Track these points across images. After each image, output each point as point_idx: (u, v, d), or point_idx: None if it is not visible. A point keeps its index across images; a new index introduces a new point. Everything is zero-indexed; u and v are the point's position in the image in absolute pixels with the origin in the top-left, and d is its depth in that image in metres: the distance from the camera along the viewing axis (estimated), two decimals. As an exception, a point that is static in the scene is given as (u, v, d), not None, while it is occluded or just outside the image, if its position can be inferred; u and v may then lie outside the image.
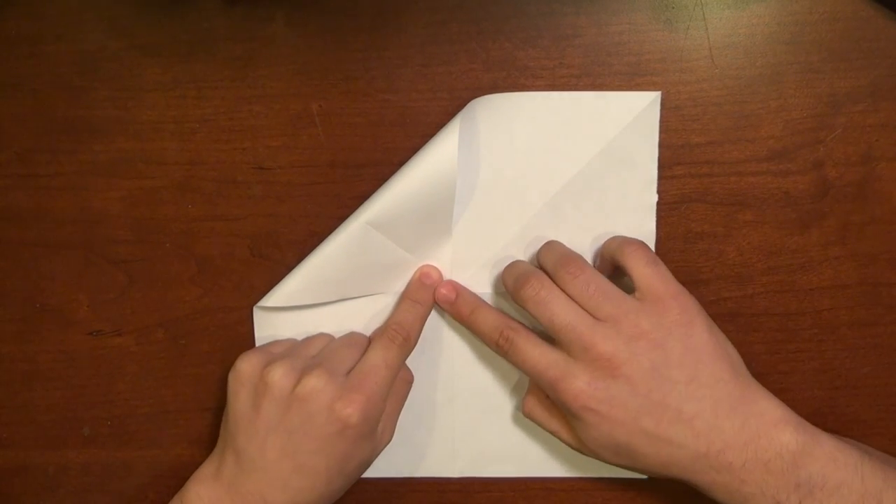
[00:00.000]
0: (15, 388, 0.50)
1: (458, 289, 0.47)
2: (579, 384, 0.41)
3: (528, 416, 0.47)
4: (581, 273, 0.43)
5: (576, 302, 0.42)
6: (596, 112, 0.45)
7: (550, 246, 0.45)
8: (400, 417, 0.48)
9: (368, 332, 0.48)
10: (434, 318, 0.48)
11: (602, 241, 0.46)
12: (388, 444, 0.46)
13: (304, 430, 0.42)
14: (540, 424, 0.46)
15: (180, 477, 0.50)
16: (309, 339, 0.47)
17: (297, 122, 0.47)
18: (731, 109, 0.45)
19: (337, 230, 0.46)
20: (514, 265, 0.46)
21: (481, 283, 0.47)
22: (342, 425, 0.42)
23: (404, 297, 0.47)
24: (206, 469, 0.45)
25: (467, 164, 0.46)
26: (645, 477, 0.49)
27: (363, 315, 0.48)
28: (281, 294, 0.47)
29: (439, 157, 0.44)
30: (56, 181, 0.48)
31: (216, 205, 0.48)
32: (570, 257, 0.44)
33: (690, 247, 0.47)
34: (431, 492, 0.50)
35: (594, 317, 0.42)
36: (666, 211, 0.46)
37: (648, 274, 0.42)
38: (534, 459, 0.49)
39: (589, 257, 0.46)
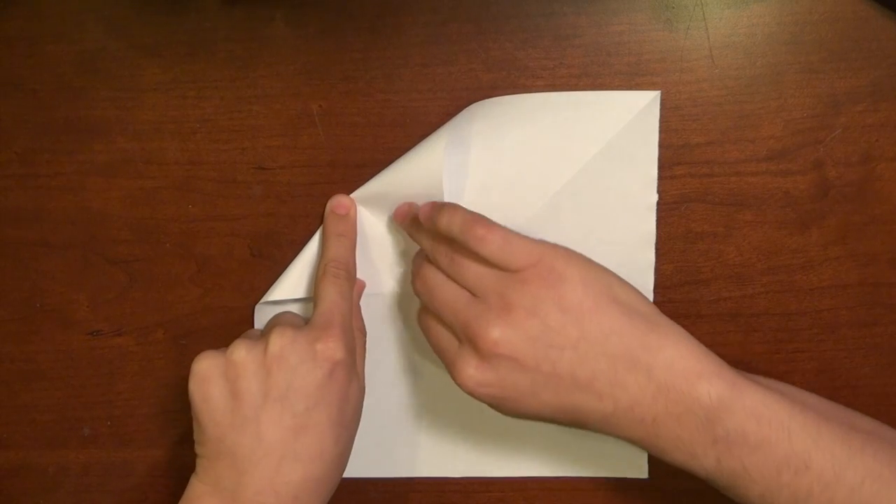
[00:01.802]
0: (15, 388, 0.50)
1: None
2: (469, 370, 0.39)
3: None
4: (448, 248, 0.41)
5: (454, 280, 0.41)
6: (595, 111, 0.45)
7: (420, 227, 0.44)
8: (400, 417, 0.48)
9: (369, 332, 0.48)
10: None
11: (603, 240, 0.46)
12: (363, 395, 0.45)
13: (294, 388, 0.40)
14: None
15: (180, 477, 0.50)
16: (245, 333, 0.45)
17: (297, 122, 0.47)
18: (731, 109, 0.45)
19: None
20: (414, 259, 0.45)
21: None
22: (331, 364, 0.41)
23: (327, 233, 0.46)
24: (199, 488, 0.41)
25: (466, 163, 0.46)
26: (646, 476, 0.49)
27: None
28: (282, 288, 0.47)
29: (428, 150, 0.44)
30: (56, 181, 0.48)
31: (216, 205, 0.48)
32: (439, 236, 0.42)
33: (690, 247, 0.47)
34: (431, 492, 0.50)
35: (471, 292, 0.40)
36: (666, 211, 0.46)
37: (504, 256, 0.39)
38: (534, 459, 0.49)
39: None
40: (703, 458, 0.37)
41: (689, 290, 0.47)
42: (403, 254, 0.47)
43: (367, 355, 0.47)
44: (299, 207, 0.47)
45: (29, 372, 0.50)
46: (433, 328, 0.42)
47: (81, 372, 0.50)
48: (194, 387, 0.41)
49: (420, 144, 0.45)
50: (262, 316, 0.48)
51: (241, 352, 0.41)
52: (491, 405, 0.41)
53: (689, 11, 0.45)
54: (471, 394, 0.40)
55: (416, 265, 0.44)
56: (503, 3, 0.45)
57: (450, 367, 0.41)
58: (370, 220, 0.47)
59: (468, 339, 0.40)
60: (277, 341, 0.41)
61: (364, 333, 0.47)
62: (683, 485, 0.49)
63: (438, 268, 0.42)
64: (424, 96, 0.46)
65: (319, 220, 0.47)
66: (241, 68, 0.46)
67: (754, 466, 0.37)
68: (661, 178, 0.46)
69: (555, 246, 0.40)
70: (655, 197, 0.46)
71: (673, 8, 0.45)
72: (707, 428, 0.37)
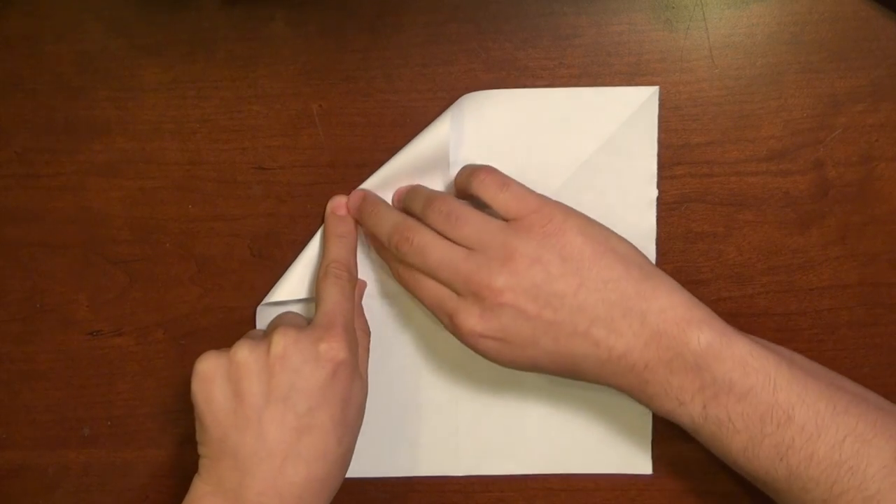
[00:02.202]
0: (15, 388, 0.50)
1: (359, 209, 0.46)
2: (471, 320, 0.40)
3: None
4: (445, 206, 0.42)
5: (447, 238, 0.41)
6: (595, 107, 0.45)
7: (414, 191, 0.45)
8: (400, 417, 0.48)
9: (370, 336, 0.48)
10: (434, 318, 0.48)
11: None
12: (366, 395, 0.45)
13: (297, 388, 0.40)
14: None
15: (180, 477, 0.50)
16: (247, 333, 0.45)
17: (297, 122, 0.47)
18: (731, 109, 0.45)
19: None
20: (382, 220, 0.44)
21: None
22: (334, 365, 0.41)
23: (328, 234, 0.46)
24: (201, 488, 0.41)
25: (461, 159, 0.46)
26: (650, 472, 0.49)
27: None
28: (283, 289, 0.47)
29: (432, 140, 0.44)
30: (56, 181, 0.48)
31: (216, 205, 0.48)
32: (434, 195, 0.43)
33: (690, 247, 0.47)
34: (431, 492, 0.50)
35: (467, 248, 0.41)
36: (666, 211, 0.46)
37: (503, 199, 0.41)
38: (537, 456, 0.49)
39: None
40: (689, 405, 0.38)
41: (689, 290, 0.47)
42: None
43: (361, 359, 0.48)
44: (299, 207, 0.47)
45: (29, 372, 0.50)
46: (425, 284, 0.42)
47: (81, 372, 0.50)
48: (197, 387, 0.41)
49: (418, 137, 0.45)
50: (263, 317, 0.48)
51: (243, 352, 0.41)
52: (489, 356, 0.41)
53: (689, 11, 0.45)
54: (472, 345, 0.41)
55: (392, 224, 0.43)
56: (503, 3, 0.45)
57: (450, 320, 0.41)
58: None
59: (471, 292, 0.40)
60: (280, 341, 0.41)
61: (367, 333, 0.47)
62: (684, 485, 0.49)
63: (431, 227, 0.42)
64: (424, 96, 0.46)
65: (319, 220, 0.47)
66: (241, 68, 0.46)
67: (738, 416, 0.38)
68: (661, 178, 0.46)
69: (554, 200, 0.42)
70: (655, 192, 0.46)
71: (673, 8, 0.45)
72: (695, 374, 0.38)
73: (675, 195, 0.46)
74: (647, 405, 0.40)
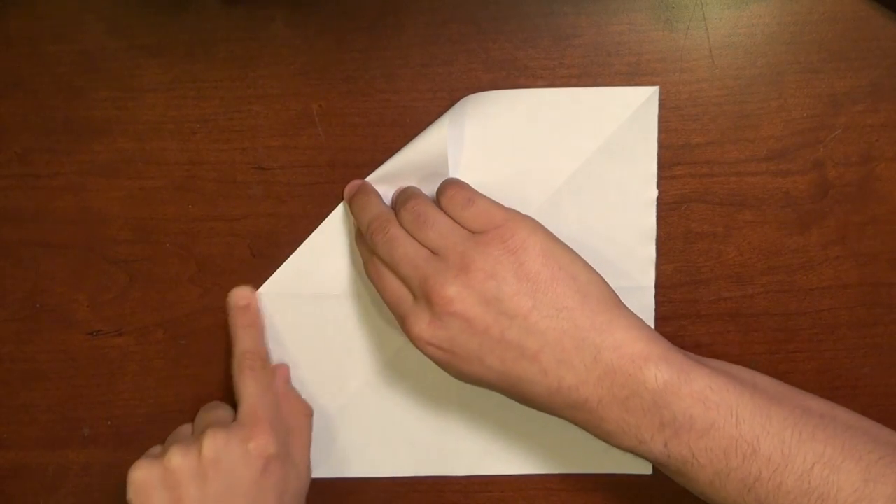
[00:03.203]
0: (15, 388, 0.50)
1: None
2: (420, 325, 0.40)
3: None
4: (417, 207, 0.41)
5: (414, 232, 0.41)
6: (594, 108, 0.45)
7: (403, 189, 0.44)
8: (400, 417, 0.48)
9: (372, 337, 0.48)
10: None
11: (603, 237, 0.46)
12: (309, 478, 0.47)
13: (232, 488, 0.42)
14: None
15: (180, 477, 0.50)
16: (175, 432, 0.47)
17: (297, 122, 0.47)
18: (731, 109, 0.45)
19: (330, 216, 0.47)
20: (366, 209, 0.44)
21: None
22: (264, 461, 0.43)
23: (235, 326, 0.47)
24: None
25: (463, 160, 0.46)
26: (650, 472, 0.49)
27: (362, 321, 0.48)
28: (276, 280, 0.47)
29: (430, 141, 0.44)
30: (56, 181, 0.48)
31: (216, 205, 0.48)
32: (412, 196, 0.43)
33: (690, 247, 0.47)
34: (431, 492, 0.50)
35: (431, 246, 0.41)
36: (666, 211, 0.46)
37: (468, 216, 0.41)
38: (537, 457, 0.49)
39: (589, 255, 0.46)
40: (650, 444, 0.37)
41: (689, 289, 0.47)
42: None
43: (362, 357, 0.48)
44: (299, 207, 0.47)
45: (29, 372, 0.50)
46: (387, 280, 0.42)
47: (81, 372, 0.50)
48: (135, 498, 0.42)
49: (420, 136, 0.45)
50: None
51: (177, 458, 0.42)
52: (439, 364, 0.41)
53: (689, 11, 0.45)
54: (421, 350, 0.41)
55: (376, 220, 0.43)
56: (503, 3, 0.45)
57: (402, 321, 0.41)
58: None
59: (423, 295, 0.40)
60: (211, 445, 0.42)
61: (308, 415, 0.47)
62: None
63: (403, 226, 0.42)
64: (424, 96, 0.46)
65: (319, 220, 0.47)
66: (241, 68, 0.46)
67: (702, 451, 0.37)
68: (661, 178, 0.46)
69: (522, 215, 0.41)
70: (655, 192, 0.46)
71: (673, 8, 0.45)
72: (654, 412, 0.37)
73: (675, 195, 0.46)
74: (604, 441, 0.39)
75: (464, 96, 0.46)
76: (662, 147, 0.46)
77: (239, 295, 0.47)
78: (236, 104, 0.47)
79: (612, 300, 0.39)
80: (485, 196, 0.42)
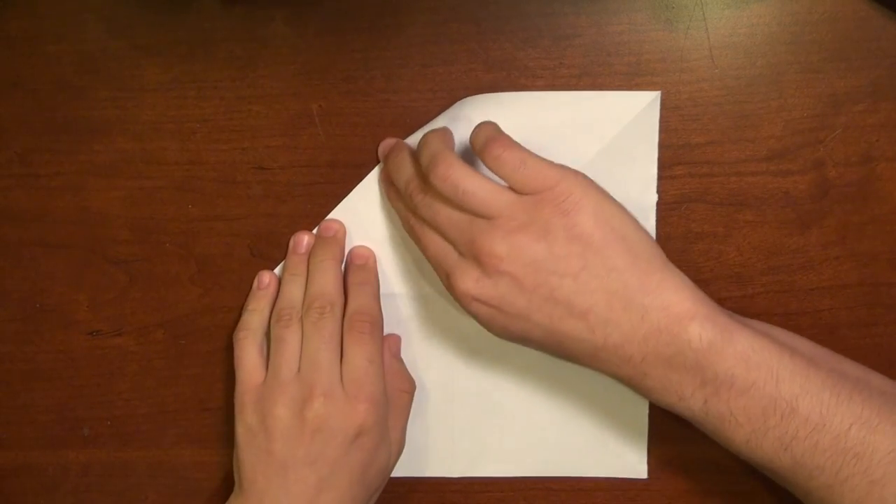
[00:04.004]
0: (15, 388, 0.50)
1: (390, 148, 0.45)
2: (467, 281, 0.40)
3: None
4: (450, 174, 0.40)
5: (454, 202, 0.41)
6: (595, 112, 0.45)
7: (424, 142, 0.42)
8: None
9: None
10: (435, 318, 0.48)
11: None
12: (400, 453, 0.47)
13: (323, 455, 0.42)
14: None
15: (180, 477, 0.50)
16: (280, 347, 0.45)
17: (297, 122, 0.47)
18: (731, 109, 0.45)
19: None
20: (402, 168, 0.43)
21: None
22: (357, 432, 0.43)
23: (350, 283, 0.46)
24: None
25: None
26: (645, 477, 0.49)
27: None
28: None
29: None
30: (56, 181, 0.48)
31: (216, 205, 0.48)
32: (439, 157, 0.41)
33: (690, 247, 0.47)
34: (431, 492, 0.50)
35: (476, 214, 0.40)
36: (666, 211, 0.46)
37: (520, 177, 0.40)
38: (534, 459, 0.49)
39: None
40: (690, 400, 0.38)
41: (689, 290, 0.47)
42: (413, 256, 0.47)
43: None
44: (299, 207, 0.47)
45: (29, 372, 0.50)
46: (429, 237, 0.42)
47: (81, 372, 0.50)
48: (240, 426, 0.45)
49: (414, 136, 0.46)
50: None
51: (281, 410, 0.43)
52: (482, 320, 0.41)
53: (689, 11, 0.45)
54: (465, 307, 0.41)
55: (408, 175, 0.43)
56: (503, 3, 0.45)
57: (446, 277, 0.41)
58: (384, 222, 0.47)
59: (471, 254, 0.40)
60: (312, 411, 0.42)
61: (409, 391, 0.47)
62: (683, 485, 0.49)
63: (437, 190, 0.42)
64: (424, 96, 0.46)
65: (319, 220, 0.47)
66: (241, 68, 0.46)
67: (740, 410, 0.37)
68: (661, 178, 0.46)
69: (573, 172, 0.40)
70: (655, 197, 0.46)
71: (673, 8, 0.45)
72: (696, 371, 0.38)
73: (674, 195, 0.46)
74: (644, 396, 0.40)
75: (464, 96, 0.46)
76: (662, 147, 0.46)
77: (356, 253, 0.47)
78: (236, 104, 0.47)
79: (660, 259, 0.40)
80: (534, 154, 0.40)
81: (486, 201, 0.40)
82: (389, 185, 0.45)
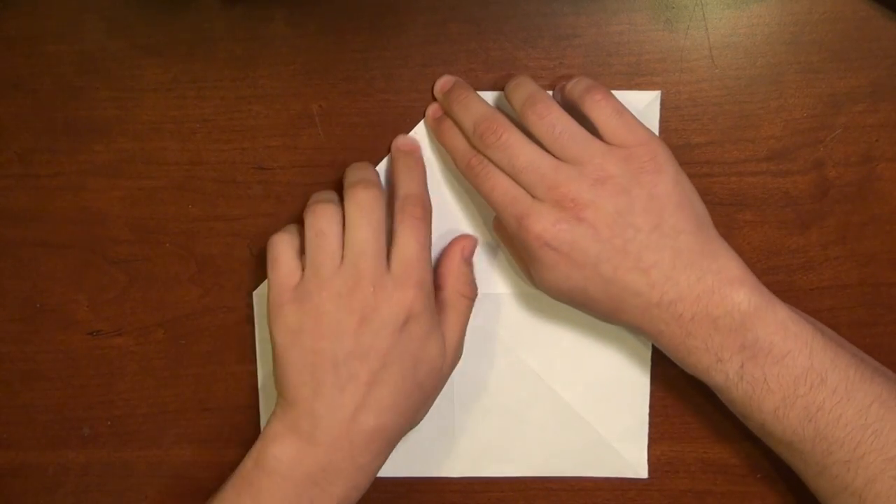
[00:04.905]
0: (15, 388, 0.50)
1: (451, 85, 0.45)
2: (543, 223, 0.40)
3: (496, 232, 0.47)
4: (548, 114, 0.41)
5: (542, 143, 0.41)
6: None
7: (519, 83, 0.43)
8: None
9: None
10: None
11: None
12: (457, 362, 0.45)
13: (375, 347, 0.41)
14: (504, 244, 0.47)
15: (180, 477, 0.50)
16: (320, 241, 0.42)
17: (297, 122, 0.47)
18: (731, 109, 0.45)
19: None
20: (471, 107, 0.43)
21: (481, 284, 0.47)
22: (406, 316, 0.41)
23: (398, 170, 0.45)
24: (276, 427, 0.42)
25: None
26: (646, 477, 0.49)
27: None
28: None
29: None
30: (56, 181, 0.48)
31: (216, 205, 0.48)
32: (538, 97, 0.42)
33: (690, 247, 0.47)
34: (431, 492, 0.50)
35: (559, 158, 0.41)
36: (666, 211, 0.46)
37: (614, 125, 0.41)
38: (534, 459, 0.49)
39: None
40: (727, 363, 0.40)
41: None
42: None
43: None
44: (299, 207, 0.47)
45: (29, 372, 0.50)
46: (499, 180, 0.42)
47: (81, 372, 0.50)
48: (274, 322, 0.42)
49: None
50: (261, 304, 0.48)
51: (328, 304, 0.41)
52: (544, 265, 0.41)
53: (689, 11, 0.45)
54: (534, 251, 0.41)
55: (480, 114, 0.43)
56: (503, 2, 0.45)
57: (519, 220, 0.41)
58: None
59: (553, 199, 0.40)
60: (362, 297, 0.41)
61: (470, 297, 0.46)
62: (683, 485, 0.49)
63: (528, 128, 0.42)
64: (424, 96, 0.46)
65: (319, 220, 0.47)
66: (241, 68, 0.46)
67: (774, 376, 0.39)
68: (661, 178, 0.46)
69: (657, 136, 0.42)
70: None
71: (673, 8, 0.45)
72: (739, 333, 0.39)
73: (675, 195, 0.46)
74: (681, 361, 0.41)
75: (464, 96, 0.46)
76: (662, 147, 0.46)
77: (402, 142, 0.46)
78: (236, 104, 0.47)
79: (715, 231, 0.42)
80: (627, 108, 0.42)
81: (581, 145, 0.41)
82: (442, 123, 0.45)
